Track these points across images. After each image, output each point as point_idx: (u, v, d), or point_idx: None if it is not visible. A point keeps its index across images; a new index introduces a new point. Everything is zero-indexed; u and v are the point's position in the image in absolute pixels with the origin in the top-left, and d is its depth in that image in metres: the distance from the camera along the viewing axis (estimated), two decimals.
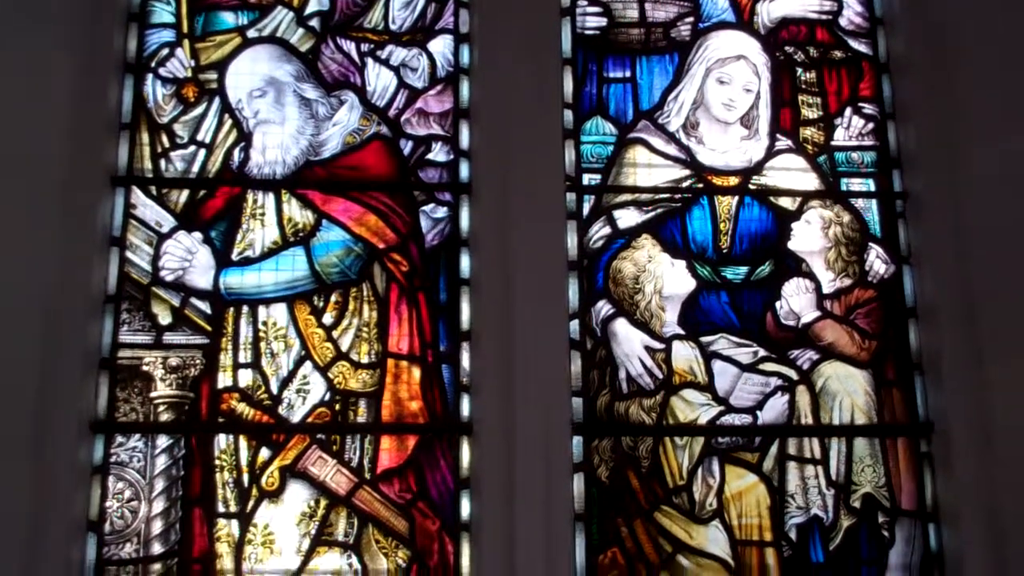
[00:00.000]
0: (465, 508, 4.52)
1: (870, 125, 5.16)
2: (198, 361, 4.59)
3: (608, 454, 4.65)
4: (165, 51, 4.93)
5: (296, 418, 4.59)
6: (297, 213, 4.79)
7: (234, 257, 4.71)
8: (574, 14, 5.13)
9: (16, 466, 4.15)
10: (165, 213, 4.73)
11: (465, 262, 4.78)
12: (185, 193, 4.78)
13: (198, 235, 4.72)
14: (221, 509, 4.47)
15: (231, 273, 4.69)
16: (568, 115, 4.97)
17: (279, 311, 4.68)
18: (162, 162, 4.80)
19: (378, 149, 4.92)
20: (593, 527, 4.56)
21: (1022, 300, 4.68)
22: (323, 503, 4.51)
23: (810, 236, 4.97)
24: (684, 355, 4.78)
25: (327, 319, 4.69)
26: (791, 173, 5.06)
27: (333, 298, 4.72)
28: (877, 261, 4.98)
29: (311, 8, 5.06)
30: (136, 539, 4.41)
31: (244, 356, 4.62)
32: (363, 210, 4.81)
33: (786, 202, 5.01)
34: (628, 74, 5.12)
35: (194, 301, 4.64)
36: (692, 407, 4.73)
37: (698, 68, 5.12)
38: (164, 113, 4.86)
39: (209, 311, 4.64)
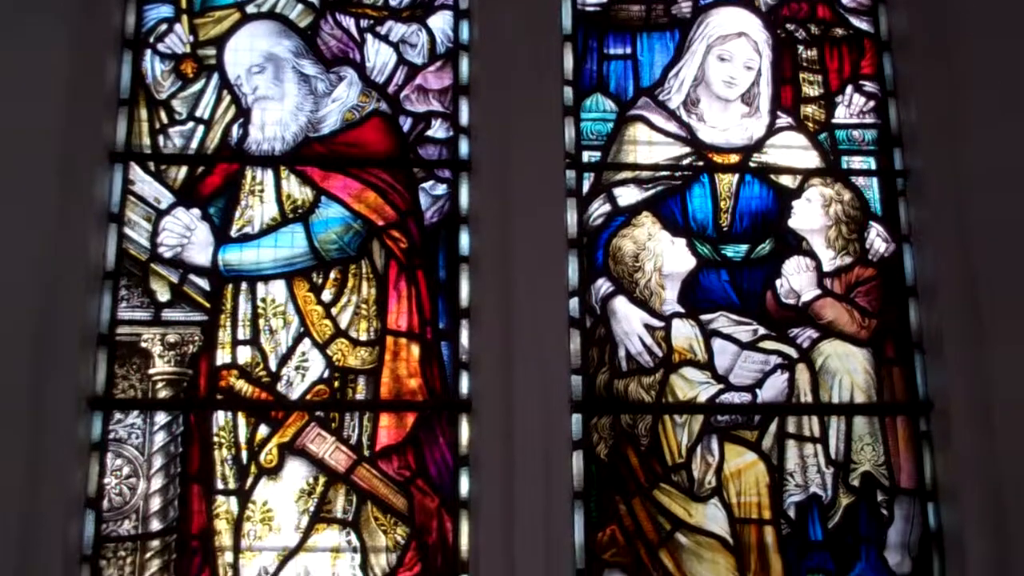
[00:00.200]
0: (464, 485, 4.52)
1: (871, 103, 5.14)
2: (197, 338, 4.58)
3: (607, 432, 4.64)
4: (164, 27, 4.91)
5: (295, 395, 4.58)
6: (296, 190, 4.78)
7: (233, 234, 4.70)
8: None
9: (14, 442, 4.14)
10: (163, 189, 4.72)
11: (464, 239, 4.77)
12: (184, 169, 4.76)
13: (197, 211, 4.70)
14: (220, 486, 4.47)
15: (230, 250, 4.68)
16: (568, 92, 4.95)
17: (278, 288, 4.67)
18: (160, 138, 4.79)
19: (377, 126, 4.90)
20: (592, 505, 4.56)
21: (1022, 279, 4.67)
22: (322, 480, 4.51)
23: (811, 214, 4.96)
24: (684, 333, 4.77)
25: (326, 296, 4.68)
26: (792, 151, 5.05)
27: (332, 275, 4.71)
28: (877, 239, 4.97)
29: None
30: (134, 516, 4.42)
31: (243, 333, 4.62)
32: (362, 187, 4.80)
33: (787, 180, 5.00)
34: (629, 51, 5.10)
35: (193, 278, 4.64)
36: (691, 385, 4.73)
37: (699, 45, 5.10)
38: (162, 89, 4.85)
39: (208, 288, 4.64)
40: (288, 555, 4.43)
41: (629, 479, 4.61)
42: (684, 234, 4.87)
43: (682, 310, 4.80)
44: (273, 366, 4.59)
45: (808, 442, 4.71)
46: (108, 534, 4.38)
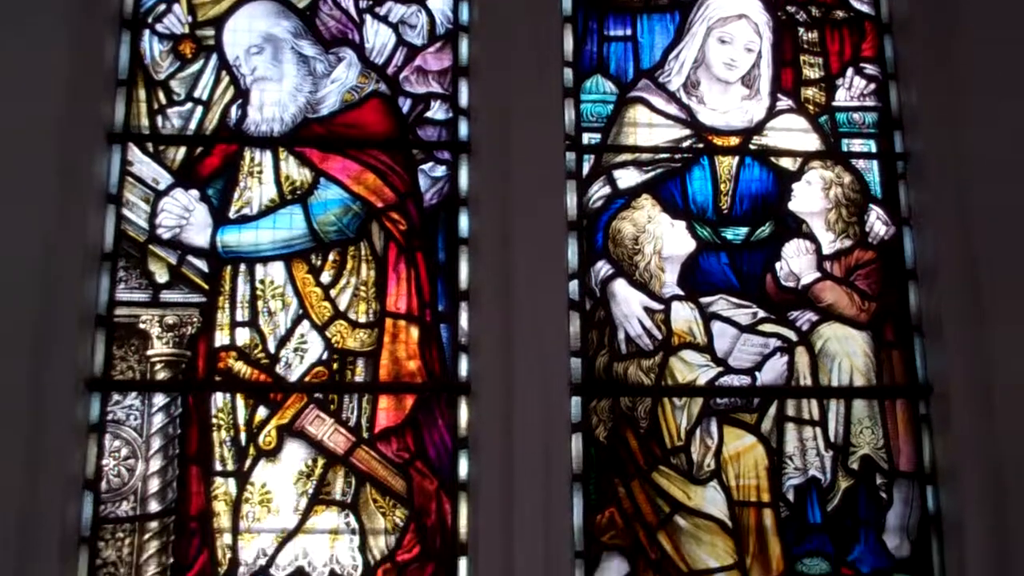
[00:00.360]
0: (463, 468, 4.51)
1: (872, 86, 5.13)
2: (195, 319, 4.57)
3: (606, 415, 4.64)
4: (162, 7, 4.87)
5: (294, 377, 4.57)
6: (295, 171, 4.76)
7: (231, 215, 4.69)
8: None
9: (12, 424, 4.13)
10: (162, 170, 4.70)
11: (464, 221, 4.75)
12: (182, 150, 4.74)
13: (195, 193, 4.69)
14: (218, 468, 4.46)
15: (228, 231, 4.66)
16: (568, 73, 4.93)
17: (277, 269, 4.66)
18: (159, 119, 4.77)
19: (376, 107, 4.88)
20: (591, 487, 4.55)
21: (1022, 262, 4.67)
22: (321, 462, 4.51)
23: (811, 197, 4.95)
24: (683, 316, 4.77)
25: (325, 278, 4.67)
26: (792, 133, 5.03)
27: (331, 257, 4.70)
28: (877, 222, 4.96)
29: None
30: (133, 497, 4.41)
31: (241, 314, 4.60)
32: (361, 168, 4.78)
33: (787, 163, 4.99)
34: (629, 32, 5.08)
35: (191, 259, 4.62)
36: (691, 368, 4.73)
37: (699, 27, 5.08)
38: (161, 70, 4.83)
39: (206, 269, 4.62)
40: (287, 537, 4.42)
41: (628, 462, 4.61)
42: (684, 217, 4.86)
43: (682, 293, 4.79)
44: (272, 348, 4.58)
45: (807, 425, 4.71)
46: (106, 515, 4.37)
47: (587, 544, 4.50)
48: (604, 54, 5.04)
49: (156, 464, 4.44)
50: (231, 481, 4.46)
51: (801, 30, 5.18)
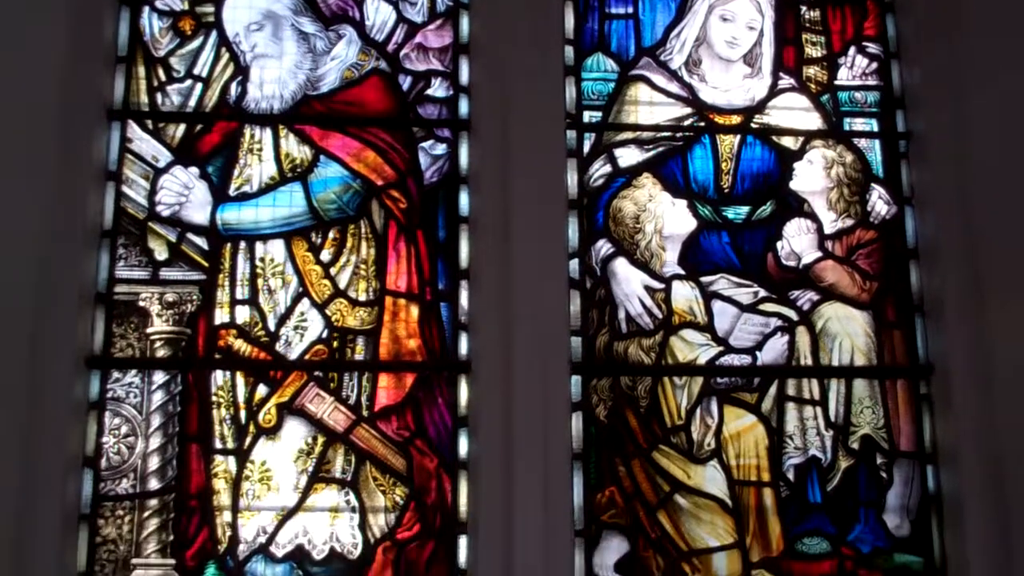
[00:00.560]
0: (463, 446, 4.52)
1: (873, 65, 5.12)
2: (195, 297, 4.57)
3: (607, 393, 4.64)
4: None
5: (294, 355, 4.57)
6: (295, 148, 4.75)
7: (231, 192, 4.68)
8: None
9: (12, 401, 4.12)
10: (161, 147, 4.69)
11: (464, 200, 4.75)
12: (182, 127, 4.74)
13: (195, 170, 4.68)
14: (218, 445, 4.47)
15: (228, 208, 4.66)
16: (569, 51, 4.92)
17: (276, 247, 4.65)
18: (158, 96, 4.76)
19: (376, 84, 4.87)
20: (591, 466, 4.55)
21: (1023, 242, 4.66)
22: (321, 440, 4.51)
23: (812, 176, 4.94)
24: (684, 295, 4.76)
25: (325, 256, 4.66)
26: (794, 112, 5.03)
27: (331, 235, 4.69)
28: (879, 202, 4.95)
29: None
30: (133, 475, 4.41)
31: (241, 292, 4.60)
32: (361, 146, 4.77)
33: (788, 141, 4.98)
34: (630, 10, 5.07)
35: (191, 236, 4.62)
36: (691, 347, 4.72)
37: (701, 5, 5.07)
38: (160, 46, 4.81)
39: (206, 247, 4.62)
40: (287, 515, 4.43)
41: (628, 441, 4.61)
42: (685, 195, 4.86)
43: (682, 272, 4.78)
44: (272, 326, 4.58)
45: (808, 405, 4.71)
46: (106, 493, 4.37)
47: (587, 523, 4.50)
48: (605, 32, 5.03)
49: (156, 442, 4.44)
50: (231, 459, 4.46)
51: (803, 8, 5.17)
